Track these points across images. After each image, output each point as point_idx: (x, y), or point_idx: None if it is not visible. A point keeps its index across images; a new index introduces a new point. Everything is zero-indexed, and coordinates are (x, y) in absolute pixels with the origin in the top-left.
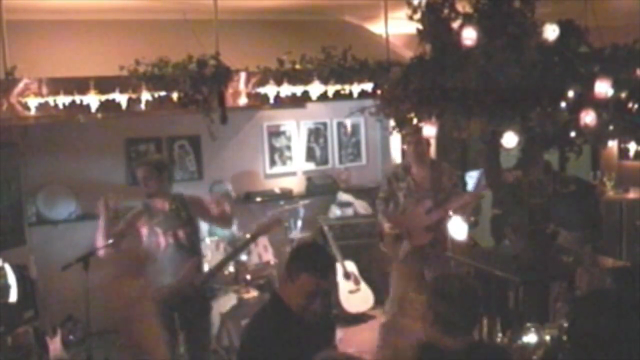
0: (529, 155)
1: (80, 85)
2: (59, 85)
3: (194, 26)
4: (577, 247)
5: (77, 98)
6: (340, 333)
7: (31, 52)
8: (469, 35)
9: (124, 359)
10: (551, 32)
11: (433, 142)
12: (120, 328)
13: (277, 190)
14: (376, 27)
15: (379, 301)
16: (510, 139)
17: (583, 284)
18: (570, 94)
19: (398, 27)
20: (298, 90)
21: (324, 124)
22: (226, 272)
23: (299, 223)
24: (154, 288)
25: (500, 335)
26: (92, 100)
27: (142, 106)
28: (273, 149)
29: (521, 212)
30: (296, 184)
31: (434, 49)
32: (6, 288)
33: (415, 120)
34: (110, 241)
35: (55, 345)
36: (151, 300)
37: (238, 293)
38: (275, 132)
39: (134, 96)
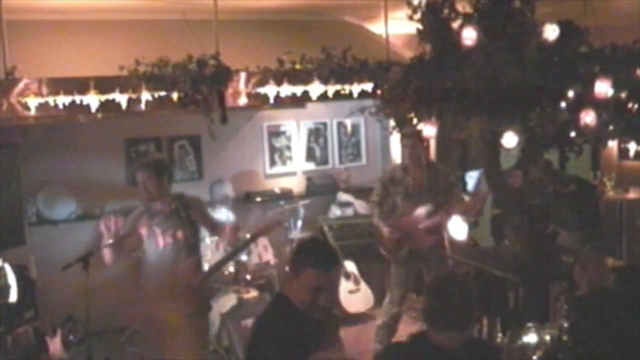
0: (529, 155)
1: (80, 85)
2: (59, 85)
3: (194, 26)
4: (577, 247)
5: (77, 98)
6: (340, 333)
7: (31, 52)
8: (469, 35)
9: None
10: (551, 32)
11: (433, 142)
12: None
13: (277, 190)
14: (376, 27)
15: (379, 301)
16: (510, 139)
17: (582, 282)
18: (570, 94)
19: (398, 27)
20: (298, 90)
21: (324, 124)
22: (226, 272)
23: (299, 223)
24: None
25: (500, 335)
26: (92, 100)
27: (142, 106)
28: (273, 149)
29: (521, 212)
30: (296, 184)
31: (434, 49)
32: (6, 288)
33: (415, 120)
34: (110, 241)
35: (55, 345)
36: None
37: (238, 293)
38: (275, 132)
39: (134, 96)
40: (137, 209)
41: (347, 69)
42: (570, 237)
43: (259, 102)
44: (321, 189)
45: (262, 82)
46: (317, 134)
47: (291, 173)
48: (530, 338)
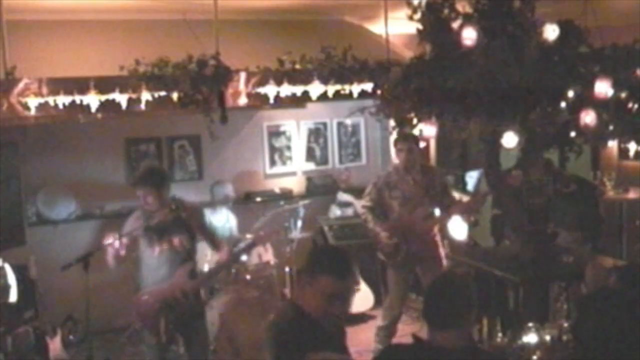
0: (529, 155)
1: (80, 85)
2: (59, 85)
3: (194, 26)
4: (577, 247)
5: (77, 98)
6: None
7: (31, 52)
8: (469, 35)
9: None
10: (551, 32)
11: (433, 142)
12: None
13: (277, 190)
14: (376, 27)
15: (379, 301)
16: (510, 139)
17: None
18: (570, 94)
19: (398, 27)
20: (298, 90)
21: (324, 124)
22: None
23: (299, 223)
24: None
25: (500, 335)
26: (92, 100)
27: (142, 106)
28: (273, 149)
29: (521, 212)
30: (296, 184)
31: (434, 49)
32: (6, 288)
33: (415, 120)
34: (110, 241)
35: (55, 345)
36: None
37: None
38: (275, 132)
39: (134, 96)
40: (135, 213)
41: (347, 69)
42: (570, 237)
43: (259, 102)
44: (321, 189)
45: (262, 82)
46: (317, 134)
47: (291, 173)
48: (530, 338)
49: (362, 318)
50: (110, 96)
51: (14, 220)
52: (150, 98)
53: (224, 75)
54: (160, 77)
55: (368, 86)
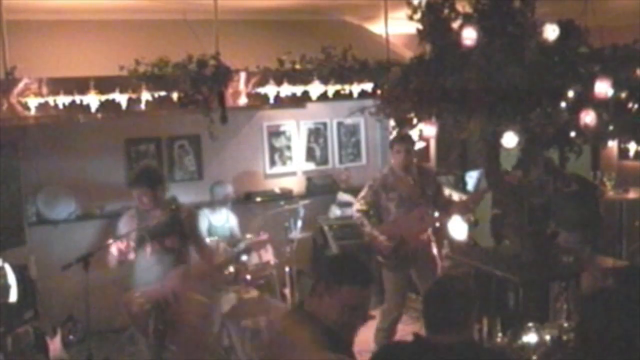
0: (529, 155)
1: (80, 85)
2: (59, 85)
3: (194, 26)
4: (577, 247)
5: (77, 98)
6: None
7: (31, 52)
8: (469, 35)
9: None
10: (551, 32)
11: (433, 142)
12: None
13: (277, 190)
14: (376, 27)
15: (379, 301)
16: (510, 139)
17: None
18: (570, 94)
19: (398, 27)
20: (298, 90)
21: (324, 124)
22: (226, 272)
23: (299, 223)
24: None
25: (500, 335)
26: (92, 100)
27: (142, 106)
28: (273, 149)
29: (521, 212)
30: (296, 184)
31: (434, 49)
32: (6, 288)
33: (415, 120)
34: (110, 241)
35: (55, 345)
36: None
37: (238, 293)
38: (275, 132)
39: (134, 96)
40: (128, 212)
41: (347, 69)
42: (570, 237)
43: (259, 102)
44: (321, 189)
45: (262, 82)
46: (317, 134)
47: (291, 173)
48: (530, 338)
49: None
50: (110, 96)
51: (14, 220)
52: (150, 98)
53: (224, 75)
54: (160, 77)
55: (368, 86)
